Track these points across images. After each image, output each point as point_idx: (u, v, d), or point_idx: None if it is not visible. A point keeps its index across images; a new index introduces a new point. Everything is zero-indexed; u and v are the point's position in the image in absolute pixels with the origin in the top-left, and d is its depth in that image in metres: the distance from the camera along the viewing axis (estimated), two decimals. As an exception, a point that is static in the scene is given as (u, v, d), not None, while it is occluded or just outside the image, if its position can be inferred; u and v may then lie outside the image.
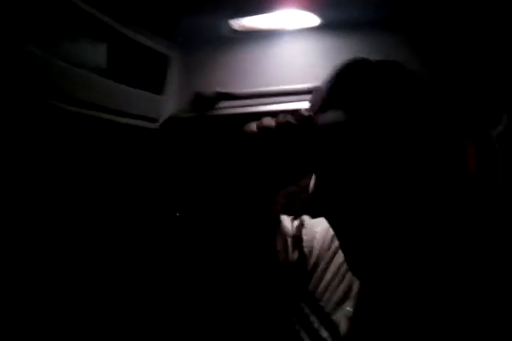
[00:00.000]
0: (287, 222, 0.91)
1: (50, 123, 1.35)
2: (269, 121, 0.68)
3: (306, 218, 0.94)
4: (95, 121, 1.35)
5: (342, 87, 0.68)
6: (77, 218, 1.62)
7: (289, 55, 1.46)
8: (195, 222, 1.72)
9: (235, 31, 1.43)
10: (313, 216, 0.92)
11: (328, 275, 0.83)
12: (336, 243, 0.82)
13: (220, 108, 1.57)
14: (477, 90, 1.21)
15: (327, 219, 0.74)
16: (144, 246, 1.71)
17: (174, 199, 1.77)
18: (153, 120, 1.56)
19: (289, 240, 0.89)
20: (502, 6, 1.17)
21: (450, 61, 1.24)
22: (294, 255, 0.88)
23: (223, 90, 1.55)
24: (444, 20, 1.24)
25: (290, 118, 0.66)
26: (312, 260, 0.87)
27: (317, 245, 0.88)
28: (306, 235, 0.89)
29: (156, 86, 1.53)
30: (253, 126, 0.69)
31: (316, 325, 0.80)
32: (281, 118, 0.67)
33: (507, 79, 1.19)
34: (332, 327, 0.77)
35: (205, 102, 1.58)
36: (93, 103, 1.28)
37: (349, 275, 0.78)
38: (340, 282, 0.80)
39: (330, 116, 0.65)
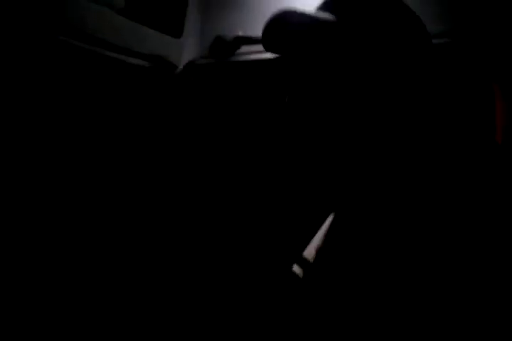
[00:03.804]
0: None
1: (64, 60, 1.33)
2: None
3: None
4: (109, 60, 1.33)
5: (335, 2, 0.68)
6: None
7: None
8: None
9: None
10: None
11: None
12: None
13: (240, 53, 1.53)
14: (502, 34, 1.16)
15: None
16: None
17: (188, 144, 1.75)
18: (172, 64, 1.52)
19: None
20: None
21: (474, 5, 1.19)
22: None
23: (244, 34, 1.50)
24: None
25: None
26: None
27: None
28: None
29: (175, 29, 1.49)
30: None
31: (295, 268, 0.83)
32: None
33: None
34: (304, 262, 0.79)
35: (225, 47, 1.54)
36: (107, 40, 1.25)
37: None
38: None
39: (320, 14, 0.65)
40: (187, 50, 1.56)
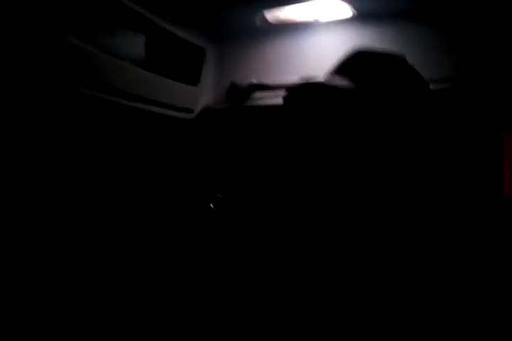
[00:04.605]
0: None
1: (89, 112, 1.41)
2: None
3: None
4: (133, 111, 1.41)
5: (351, 65, 0.74)
6: (114, 206, 1.68)
7: (322, 47, 1.47)
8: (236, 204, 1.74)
9: (270, 23, 1.45)
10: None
11: None
12: None
13: (254, 99, 1.60)
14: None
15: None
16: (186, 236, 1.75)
17: (210, 187, 1.81)
18: (190, 111, 1.60)
19: None
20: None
21: (483, 51, 1.22)
22: None
23: (257, 81, 1.58)
24: (476, 10, 1.22)
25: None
26: None
27: None
28: None
29: (193, 77, 1.57)
30: None
31: None
32: None
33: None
34: None
35: (240, 93, 1.61)
36: (130, 93, 1.33)
37: None
38: None
39: (338, 80, 0.70)
40: (204, 96, 1.64)
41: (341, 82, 0.71)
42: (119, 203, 1.73)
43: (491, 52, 1.21)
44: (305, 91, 0.72)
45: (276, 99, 1.56)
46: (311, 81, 0.73)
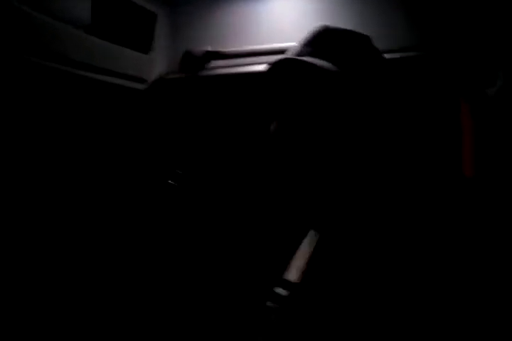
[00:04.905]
0: None
1: (33, 80, 1.32)
2: None
3: None
4: (79, 80, 1.32)
5: (319, 43, 0.72)
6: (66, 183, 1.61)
7: (279, 13, 1.42)
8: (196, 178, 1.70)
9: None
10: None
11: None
12: None
13: (209, 68, 1.54)
14: (470, 49, 1.18)
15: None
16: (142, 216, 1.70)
17: (169, 162, 1.76)
18: (142, 80, 1.52)
19: None
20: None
21: (441, 19, 1.21)
22: None
23: (213, 49, 1.51)
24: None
25: None
26: None
27: None
28: None
29: (144, 45, 1.49)
30: None
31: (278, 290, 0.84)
32: None
33: (501, 36, 1.16)
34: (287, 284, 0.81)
35: (195, 62, 1.54)
36: (76, 60, 1.25)
37: None
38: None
39: (309, 59, 0.68)
40: (157, 65, 1.56)
41: (318, 61, 0.68)
42: (69, 179, 1.65)
43: (450, 20, 1.20)
44: (286, 68, 0.70)
45: (234, 68, 1.50)
46: (290, 57, 0.71)
